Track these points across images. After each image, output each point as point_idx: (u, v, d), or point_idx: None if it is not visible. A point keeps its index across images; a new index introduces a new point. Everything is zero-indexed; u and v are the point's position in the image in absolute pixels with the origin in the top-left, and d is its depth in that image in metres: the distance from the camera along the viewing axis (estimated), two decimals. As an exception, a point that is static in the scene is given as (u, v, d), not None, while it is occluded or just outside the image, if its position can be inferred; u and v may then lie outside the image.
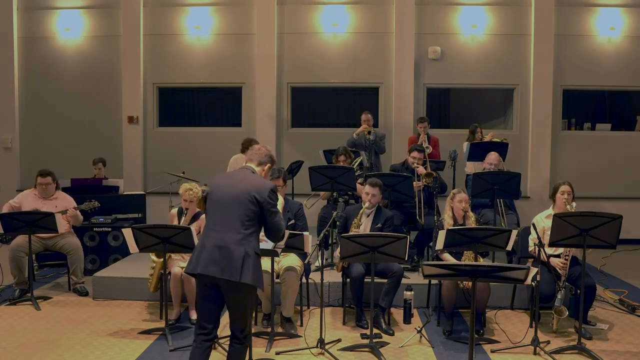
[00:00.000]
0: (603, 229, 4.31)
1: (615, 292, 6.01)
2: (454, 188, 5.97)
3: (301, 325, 4.98)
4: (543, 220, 5.05)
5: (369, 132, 7.39)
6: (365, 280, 4.88)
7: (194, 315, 5.06)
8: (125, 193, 7.69)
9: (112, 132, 9.37)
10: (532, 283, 4.36)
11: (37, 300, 5.50)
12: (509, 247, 4.69)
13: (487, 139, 7.69)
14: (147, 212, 7.41)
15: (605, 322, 5.10)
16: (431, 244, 5.69)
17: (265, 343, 4.48)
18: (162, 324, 4.80)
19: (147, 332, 4.77)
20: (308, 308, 5.43)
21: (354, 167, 6.51)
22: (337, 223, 4.78)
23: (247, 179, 3.46)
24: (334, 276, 5.61)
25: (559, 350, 4.37)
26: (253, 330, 4.23)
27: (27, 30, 9.38)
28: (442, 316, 5.05)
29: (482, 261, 4.95)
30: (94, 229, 6.67)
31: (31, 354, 4.30)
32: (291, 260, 4.89)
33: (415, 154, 6.44)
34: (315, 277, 5.19)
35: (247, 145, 7.26)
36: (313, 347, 4.37)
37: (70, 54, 9.41)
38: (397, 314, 5.29)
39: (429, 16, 9.06)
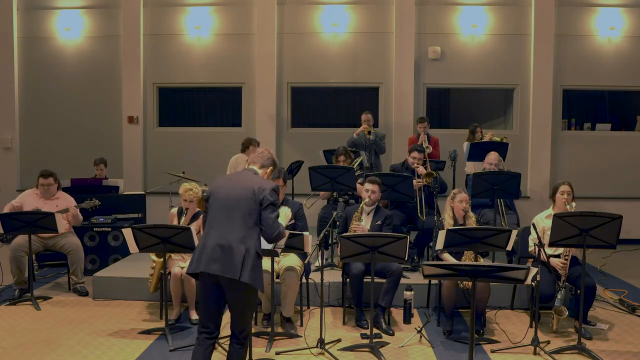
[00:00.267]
0: (603, 229, 4.31)
1: (615, 292, 6.01)
2: (454, 188, 5.98)
3: (301, 325, 4.98)
4: (543, 220, 5.05)
5: (369, 132, 7.39)
6: (365, 280, 4.89)
7: (194, 315, 5.06)
8: (125, 193, 7.69)
9: (112, 132, 9.37)
10: (532, 283, 4.36)
11: (37, 300, 5.50)
12: (509, 247, 4.69)
13: (486, 138, 7.69)
14: (147, 212, 7.40)
15: (605, 322, 5.10)
16: (431, 244, 5.69)
17: (265, 343, 4.48)
18: (162, 324, 4.80)
19: (147, 332, 4.77)
20: (308, 308, 5.43)
21: (354, 167, 6.51)
22: (337, 223, 4.78)
23: (250, 179, 3.49)
24: (334, 276, 5.62)
25: (559, 350, 4.37)
26: (253, 330, 4.23)
27: (27, 30, 9.38)
28: (442, 316, 5.05)
29: (482, 261, 4.95)
30: (94, 229, 6.67)
31: (31, 354, 4.30)
32: (291, 260, 4.89)
33: (415, 154, 6.44)
34: (315, 277, 5.19)
35: (247, 145, 7.27)
36: (313, 347, 4.37)
37: (70, 54, 9.41)
38: (397, 314, 5.29)
39: (429, 16, 9.06)
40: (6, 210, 5.89)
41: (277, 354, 4.35)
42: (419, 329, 4.74)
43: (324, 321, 4.39)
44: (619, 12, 8.98)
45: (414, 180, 6.16)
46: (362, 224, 5.18)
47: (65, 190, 6.44)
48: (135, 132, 9.28)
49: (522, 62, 9.07)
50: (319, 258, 4.53)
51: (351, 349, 4.45)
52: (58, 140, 9.45)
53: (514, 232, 4.69)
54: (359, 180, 6.32)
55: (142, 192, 7.95)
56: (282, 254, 4.72)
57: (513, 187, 5.96)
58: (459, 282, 4.78)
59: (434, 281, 5.26)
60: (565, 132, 9.26)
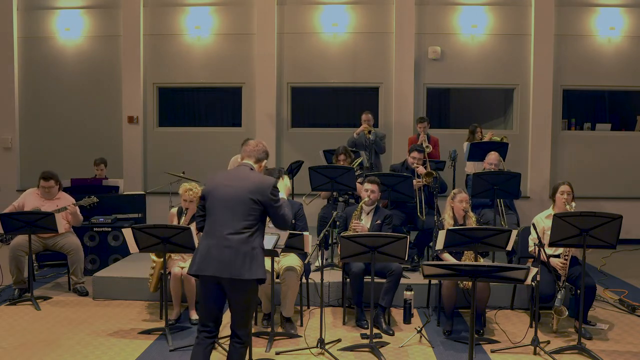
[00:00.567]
0: (603, 229, 4.31)
1: (615, 292, 6.01)
2: (454, 188, 5.98)
3: (301, 325, 4.98)
4: (543, 220, 5.05)
5: (369, 132, 7.39)
6: (365, 280, 4.89)
7: (194, 315, 5.06)
8: (125, 193, 7.69)
9: (112, 132, 9.37)
10: (532, 283, 4.36)
11: (37, 300, 5.50)
12: (509, 247, 4.69)
13: (486, 138, 7.69)
14: (147, 212, 7.40)
15: (605, 322, 5.10)
16: (431, 244, 5.69)
17: (265, 343, 4.48)
18: (162, 324, 4.80)
19: (147, 332, 4.77)
20: (308, 308, 5.43)
21: (354, 167, 6.51)
22: (337, 223, 4.78)
23: (248, 177, 3.48)
24: (334, 276, 5.62)
25: (559, 350, 4.37)
26: (253, 330, 4.23)
27: (27, 30, 9.38)
28: (442, 316, 5.05)
29: (482, 261, 4.95)
30: (94, 229, 6.67)
31: (31, 354, 4.30)
32: (291, 260, 4.89)
33: (415, 154, 6.44)
34: (315, 277, 5.19)
35: (247, 145, 7.27)
36: (313, 347, 4.37)
37: (70, 54, 9.41)
38: (397, 314, 5.28)
39: (429, 16, 9.06)
40: (7, 211, 5.89)
41: (277, 354, 4.35)
42: (419, 329, 4.74)
43: (324, 321, 4.39)
44: (619, 12, 8.98)
45: (413, 180, 6.16)
46: (362, 223, 5.18)
47: (65, 190, 6.43)
48: (135, 132, 9.28)
49: (522, 62, 9.07)
50: (319, 258, 4.53)
51: (351, 349, 4.45)
52: (58, 140, 9.45)
53: (514, 232, 4.69)
54: (359, 180, 6.32)
55: (142, 192, 7.94)
56: (282, 254, 4.72)
57: (513, 187, 5.96)
58: (459, 282, 4.78)
59: (434, 281, 5.26)
60: (565, 132, 9.26)
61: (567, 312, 4.72)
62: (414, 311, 5.29)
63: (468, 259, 4.88)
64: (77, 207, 6.05)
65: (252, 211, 3.38)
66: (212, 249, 3.35)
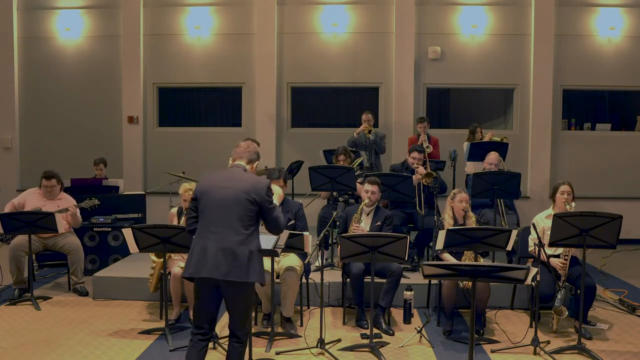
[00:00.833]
0: (603, 229, 4.31)
1: (615, 292, 6.01)
2: (454, 188, 5.97)
3: (301, 325, 4.98)
4: (543, 220, 5.05)
5: (370, 132, 7.39)
6: (365, 280, 4.88)
7: (194, 315, 5.05)
8: (125, 193, 7.69)
9: (112, 132, 9.37)
10: (532, 283, 4.36)
11: (37, 300, 5.50)
12: (509, 247, 4.69)
13: (486, 138, 7.69)
14: (147, 212, 7.40)
15: (605, 322, 5.10)
16: (431, 244, 5.69)
17: (265, 343, 4.48)
18: (162, 324, 4.80)
19: (147, 332, 4.77)
20: (308, 308, 5.43)
21: (354, 167, 6.51)
22: (337, 223, 4.78)
23: (242, 178, 3.46)
24: (334, 276, 5.61)
25: (559, 350, 4.37)
26: (253, 330, 4.23)
27: (27, 30, 9.38)
28: (442, 316, 5.05)
29: (482, 261, 4.95)
30: (94, 229, 6.67)
31: (31, 354, 4.30)
32: (291, 260, 4.89)
33: (415, 154, 6.44)
34: (315, 277, 5.19)
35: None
36: (313, 347, 4.37)
37: (70, 54, 9.41)
38: (397, 314, 5.28)
39: (429, 16, 9.06)
40: (7, 208, 5.90)
41: (277, 354, 4.35)
42: (419, 329, 4.74)
43: (324, 321, 4.39)
44: (619, 12, 8.98)
45: (413, 177, 6.18)
46: (362, 225, 5.18)
47: (65, 190, 6.43)
48: (135, 132, 9.28)
49: (522, 62, 9.07)
50: (319, 258, 4.53)
51: (351, 349, 4.45)
52: (58, 140, 9.45)
53: (514, 232, 4.69)
54: (359, 180, 6.32)
55: (142, 192, 7.95)
56: (282, 254, 4.72)
57: (513, 187, 5.96)
58: (459, 282, 4.78)
59: (434, 281, 5.25)
60: (565, 132, 9.26)
61: (567, 312, 4.72)
62: (414, 311, 5.28)
63: (468, 259, 4.88)
64: (77, 209, 6.05)
65: (249, 212, 3.36)
66: (208, 250, 3.32)
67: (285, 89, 9.28)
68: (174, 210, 5.39)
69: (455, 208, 5.11)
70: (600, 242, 4.37)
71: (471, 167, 7.50)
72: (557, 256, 4.89)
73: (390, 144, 8.74)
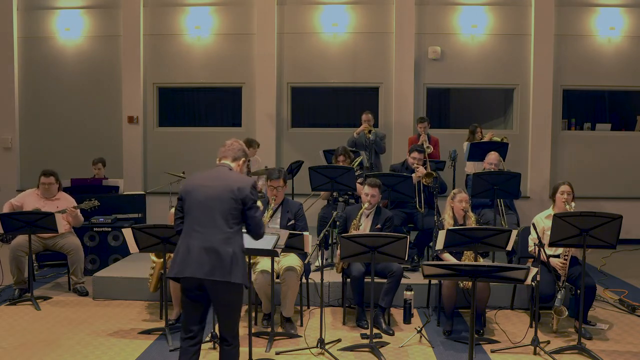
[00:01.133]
0: (603, 229, 4.31)
1: (615, 292, 6.01)
2: (454, 188, 5.97)
3: (301, 325, 4.98)
4: (543, 221, 5.05)
5: (369, 132, 7.39)
6: (366, 280, 4.88)
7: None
8: (125, 193, 7.69)
9: (112, 132, 9.37)
10: (532, 283, 4.36)
11: (37, 300, 5.50)
12: (509, 247, 4.69)
13: (486, 138, 7.69)
14: (147, 212, 7.40)
15: (605, 322, 5.10)
16: (431, 244, 5.69)
17: (265, 343, 4.48)
18: (162, 324, 4.80)
19: (147, 332, 4.78)
20: (308, 308, 5.43)
21: (354, 167, 6.51)
22: (337, 223, 4.77)
23: (227, 176, 3.41)
24: (334, 276, 5.61)
25: (559, 350, 4.37)
26: (253, 330, 4.23)
27: (27, 30, 9.38)
28: (442, 316, 5.05)
29: (482, 261, 4.95)
30: (94, 229, 6.67)
31: (31, 354, 4.30)
32: (291, 260, 4.89)
33: (415, 154, 6.44)
34: (315, 277, 5.19)
35: (247, 145, 7.26)
36: (313, 347, 4.37)
37: (70, 54, 9.41)
38: (397, 314, 5.29)
39: (429, 16, 9.06)
40: (6, 208, 5.90)
41: (277, 354, 4.35)
42: (419, 329, 4.74)
43: (324, 321, 4.39)
44: (619, 12, 8.98)
45: (412, 175, 6.18)
46: (361, 229, 5.16)
47: (65, 190, 6.44)
48: (135, 132, 9.28)
49: (522, 62, 9.07)
50: (319, 258, 4.53)
51: (351, 349, 4.45)
52: (58, 140, 9.45)
53: (514, 232, 4.69)
54: (359, 180, 6.32)
55: (142, 192, 7.95)
56: (282, 254, 4.71)
57: (513, 187, 5.96)
58: (459, 282, 4.78)
59: (434, 281, 5.25)
60: (565, 132, 9.26)
61: (567, 312, 4.72)
62: (414, 311, 5.28)
63: (468, 259, 4.88)
64: (77, 210, 6.05)
65: (233, 210, 3.31)
66: (192, 250, 3.28)
67: (285, 89, 9.28)
68: (174, 210, 5.38)
69: (455, 208, 5.10)
70: (600, 242, 4.37)
71: (471, 167, 7.50)
72: (557, 256, 4.89)
73: (390, 144, 8.74)
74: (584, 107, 9.52)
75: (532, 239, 4.84)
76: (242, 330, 4.62)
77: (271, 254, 4.27)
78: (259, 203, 3.65)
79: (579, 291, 4.63)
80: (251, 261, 4.41)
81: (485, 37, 9.10)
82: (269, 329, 4.67)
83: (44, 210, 5.71)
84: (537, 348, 4.36)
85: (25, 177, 9.30)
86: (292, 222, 5.02)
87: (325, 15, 9.13)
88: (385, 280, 4.95)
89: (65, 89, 9.44)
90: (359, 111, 7.89)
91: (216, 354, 4.23)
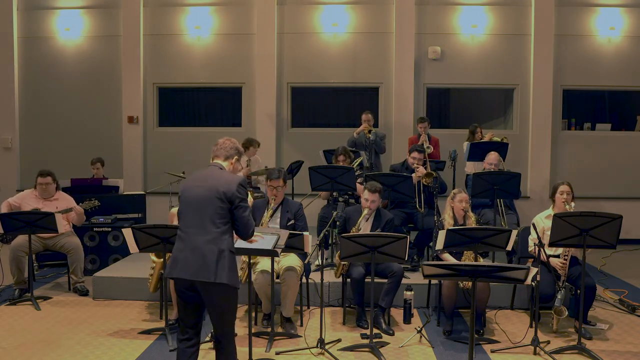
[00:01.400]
0: (603, 229, 4.31)
1: (615, 292, 6.01)
2: (454, 188, 5.97)
3: (301, 325, 4.98)
4: (543, 221, 5.05)
5: (369, 132, 7.39)
6: (366, 280, 4.88)
7: (193, 315, 5.05)
8: (125, 193, 7.69)
9: (112, 132, 9.37)
10: (532, 283, 4.36)
11: (37, 300, 5.50)
12: (509, 247, 4.69)
13: (486, 138, 7.69)
14: (147, 212, 7.40)
15: (605, 322, 5.10)
16: (431, 244, 5.69)
17: (265, 343, 4.48)
18: (162, 324, 4.80)
19: (147, 332, 4.78)
20: (308, 308, 5.43)
21: (354, 167, 6.51)
22: (337, 223, 4.77)
23: (215, 176, 3.40)
24: (334, 276, 5.60)
25: (559, 350, 4.37)
26: (253, 330, 4.23)
27: (27, 30, 9.38)
28: (442, 316, 5.05)
29: (482, 261, 4.95)
30: (94, 229, 6.67)
31: (31, 354, 4.30)
32: (291, 260, 4.89)
33: (415, 154, 6.44)
34: (315, 277, 5.19)
35: (247, 145, 7.27)
36: (313, 347, 4.37)
37: (70, 54, 9.41)
38: (397, 314, 5.28)
39: (429, 16, 9.06)
40: (4, 207, 5.90)
41: (277, 354, 4.35)
42: (419, 329, 4.74)
43: (324, 321, 4.39)
44: (619, 12, 8.98)
45: (412, 175, 6.18)
46: (362, 232, 5.14)
47: (65, 190, 6.44)
48: (135, 132, 9.28)
49: (522, 62, 9.07)
50: (319, 258, 4.53)
51: (351, 349, 4.45)
52: (58, 140, 9.45)
53: (514, 232, 4.69)
54: (359, 180, 6.32)
55: (142, 192, 7.95)
56: (282, 254, 4.71)
57: (513, 187, 5.96)
58: (459, 282, 4.78)
59: (434, 281, 5.25)
60: (565, 132, 9.26)
61: (567, 312, 4.72)
62: (414, 311, 5.29)
63: (468, 259, 4.88)
64: (82, 209, 6.06)
65: (220, 210, 3.28)
66: (182, 251, 3.29)
67: (285, 89, 9.28)
68: (174, 210, 5.37)
69: (455, 208, 5.10)
70: (600, 242, 4.37)
71: (471, 167, 7.50)
72: (557, 256, 4.89)
73: (390, 144, 8.74)
74: (584, 107, 9.52)
75: (532, 239, 4.84)
76: (242, 330, 4.66)
77: (271, 254, 4.27)
78: (249, 199, 3.62)
79: (579, 291, 4.63)
80: (251, 261, 4.40)
81: (485, 37, 9.10)
82: (269, 329, 4.67)
83: (43, 211, 5.71)
84: (537, 348, 4.36)
85: (25, 177, 9.29)
86: (292, 222, 5.02)
87: (325, 15, 9.13)
88: (385, 281, 4.94)
89: (65, 89, 9.44)
90: (359, 111, 7.89)
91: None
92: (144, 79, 9.30)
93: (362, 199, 5.18)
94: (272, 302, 4.67)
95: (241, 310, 5.22)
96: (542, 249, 4.55)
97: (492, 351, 4.44)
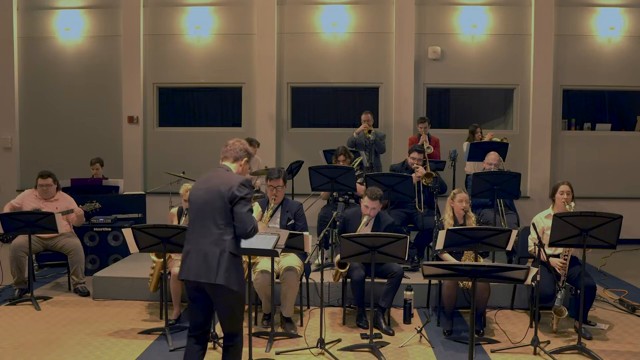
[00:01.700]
0: (603, 229, 4.31)
1: (615, 292, 6.01)
2: (454, 188, 5.97)
3: (301, 325, 4.98)
4: (543, 220, 5.05)
5: (369, 132, 7.39)
6: (366, 280, 4.88)
7: (194, 315, 5.05)
8: (125, 193, 7.69)
9: (112, 132, 9.37)
10: (532, 283, 4.37)
11: (37, 300, 5.50)
12: (509, 247, 4.69)
13: (486, 139, 7.69)
14: (147, 212, 7.40)
15: (605, 322, 5.10)
16: (431, 244, 5.69)
17: (265, 343, 4.48)
18: (162, 324, 4.80)
19: (147, 332, 4.77)
20: (308, 308, 5.42)
21: (354, 167, 6.51)
22: (337, 223, 4.77)
23: (220, 178, 3.39)
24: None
25: (559, 350, 4.37)
26: (253, 330, 4.23)
27: (27, 30, 9.38)
28: (442, 316, 5.05)
29: (482, 261, 4.95)
30: (94, 229, 6.67)
31: (31, 354, 4.30)
32: (291, 260, 4.89)
33: (414, 154, 6.44)
34: (315, 277, 5.19)
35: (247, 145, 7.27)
36: (313, 347, 4.37)
37: (70, 54, 9.41)
38: (397, 314, 5.28)
39: (429, 16, 9.06)
40: (6, 209, 5.89)
41: (277, 354, 4.35)
42: (419, 329, 4.74)
43: (324, 321, 4.39)
44: (619, 12, 8.98)
45: (412, 175, 6.18)
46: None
47: (65, 190, 6.43)
48: (135, 132, 9.28)
49: (522, 62, 9.07)
50: (319, 258, 4.53)
51: (351, 349, 4.45)
52: (58, 140, 9.45)
53: (514, 232, 4.69)
54: (359, 180, 6.32)
55: (142, 192, 7.95)
56: (282, 254, 4.71)
57: (513, 187, 5.96)
58: (459, 282, 4.78)
59: (434, 281, 5.26)
60: (565, 132, 9.26)
61: (567, 312, 4.72)
62: (414, 311, 5.29)
63: (468, 259, 4.88)
64: (82, 210, 6.06)
65: (222, 212, 3.29)
66: (188, 252, 3.34)
67: (285, 89, 9.28)
68: (174, 210, 5.40)
69: (455, 208, 5.10)
70: (600, 242, 4.37)
71: (471, 167, 7.50)
72: (557, 256, 4.89)
73: (390, 144, 8.74)
74: (584, 107, 9.53)
75: (532, 239, 4.84)
76: (243, 330, 4.65)
77: (271, 254, 4.26)
78: (256, 206, 3.62)
79: (579, 291, 4.63)
80: (251, 261, 4.41)
81: (485, 37, 9.10)
82: (269, 329, 4.67)
83: (43, 211, 5.71)
84: (537, 348, 4.36)
85: (25, 177, 9.29)
86: (292, 222, 5.02)
87: (325, 15, 9.14)
88: (385, 281, 4.94)
89: (65, 89, 9.43)
90: (359, 111, 7.89)
91: (216, 354, 4.24)
92: (144, 79, 9.30)
93: (362, 206, 5.13)
94: (272, 302, 4.67)
95: (241, 310, 5.21)
96: (542, 249, 4.55)
97: (492, 351, 4.44)
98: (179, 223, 5.09)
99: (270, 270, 4.52)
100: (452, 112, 9.81)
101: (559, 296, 4.66)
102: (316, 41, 9.22)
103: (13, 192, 8.79)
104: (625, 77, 9.05)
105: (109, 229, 6.68)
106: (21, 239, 5.71)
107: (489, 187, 5.89)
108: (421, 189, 6.27)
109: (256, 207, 5.01)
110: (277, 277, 4.79)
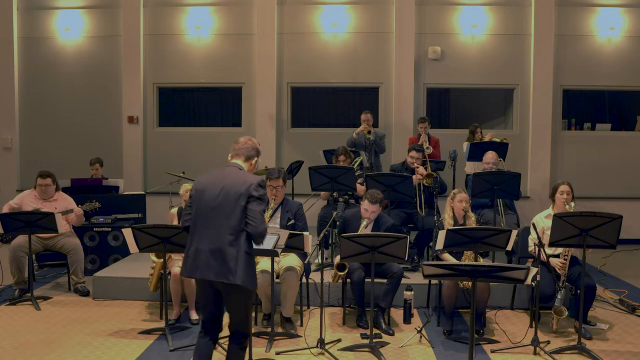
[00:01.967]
0: (603, 229, 4.31)
1: (615, 292, 6.01)
2: (454, 188, 5.97)
3: (301, 325, 4.99)
4: (543, 220, 5.05)
5: (369, 132, 7.39)
6: (366, 280, 4.88)
7: (194, 315, 5.06)
8: (125, 193, 7.69)
9: (112, 132, 9.37)
10: (532, 283, 4.37)
11: (37, 300, 5.50)
12: (509, 247, 4.69)
13: (486, 139, 7.69)
14: (147, 212, 7.40)
15: (605, 322, 5.10)
16: (431, 244, 5.69)
17: (265, 343, 4.48)
18: (162, 324, 4.80)
19: (147, 332, 4.77)
20: (308, 308, 5.42)
21: (354, 167, 6.51)
22: (337, 223, 4.77)
23: (235, 177, 3.40)
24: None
25: (559, 350, 4.37)
26: (253, 330, 4.23)
27: (27, 30, 9.38)
28: (442, 316, 5.05)
29: (482, 261, 4.95)
30: (94, 229, 6.67)
31: (31, 354, 4.30)
32: (291, 260, 4.89)
33: (413, 153, 6.44)
34: (315, 277, 5.19)
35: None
36: (313, 347, 4.37)
37: (70, 54, 9.41)
38: (397, 314, 5.28)
39: (429, 16, 9.06)
40: (4, 210, 5.89)
41: (277, 354, 4.35)
42: (419, 329, 4.74)
43: (324, 321, 4.39)
44: (619, 12, 8.98)
45: (413, 176, 6.18)
46: None
47: (65, 190, 6.43)
48: (135, 132, 9.28)
49: (522, 62, 9.07)
50: (319, 258, 4.53)
51: (351, 349, 4.45)
52: (58, 140, 9.45)
53: (514, 232, 4.69)
54: (359, 180, 6.32)
55: (142, 192, 7.95)
56: (282, 254, 4.71)
57: (513, 187, 5.96)
58: (459, 282, 4.78)
59: (434, 281, 5.26)
60: (565, 132, 9.26)
61: (567, 312, 4.72)
62: (414, 311, 5.29)
63: (468, 259, 4.88)
64: (82, 210, 6.06)
65: (239, 212, 3.30)
66: (201, 251, 3.32)
67: (285, 89, 9.28)
68: (174, 210, 5.39)
69: (455, 208, 5.10)
70: (600, 242, 4.37)
71: (471, 167, 7.51)
72: (557, 256, 4.89)
73: (390, 144, 8.74)
74: (584, 107, 9.53)
75: (532, 239, 4.84)
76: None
77: (271, 254, 4.27)
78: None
79: (579, 291, 4.63)
80: (251, 261, 4.40)
81: (485, 37, 9.10)
82: (269, 329, 4.67)
83: (43, 211, 5.70)
84: (537, 348, 4.36)
85: (25, 177, 9.29)
86: (292, 222, 5.02)
87: (325, 15, 9.14)
88: (385, 281, 4.94)
89: (65, 89, 9.43)
90: (359, 111, 7.89)
91: (216, 353, 4.23)
92: (144, 79, 9.30)
93: (362, 209, 5.11)
94: (272, 302, 4.67)
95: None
96: (542, 249, 4.55)
97: (492, 351, 4.44)
98: (178, 223, 5.08)
99: (270, 270, 4.52)
100: (452, 112, 9.81)
101: (559, 296, 4.66)
102: (316, 41, 9.22)
103: (13, 192, 8.78)
104: (625, 77, 9.05)
105: (109, 229, 6.68)
106: (21, 239, 5.71)
107: (489, 187, 5.89)
108: (421, 189, 6.27)
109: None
110: (277, 277, 4.79)
